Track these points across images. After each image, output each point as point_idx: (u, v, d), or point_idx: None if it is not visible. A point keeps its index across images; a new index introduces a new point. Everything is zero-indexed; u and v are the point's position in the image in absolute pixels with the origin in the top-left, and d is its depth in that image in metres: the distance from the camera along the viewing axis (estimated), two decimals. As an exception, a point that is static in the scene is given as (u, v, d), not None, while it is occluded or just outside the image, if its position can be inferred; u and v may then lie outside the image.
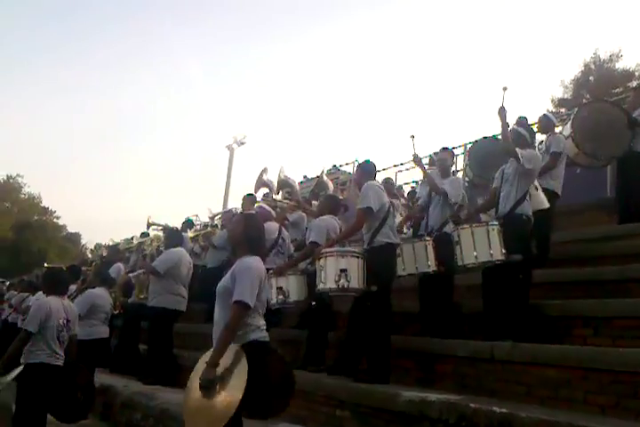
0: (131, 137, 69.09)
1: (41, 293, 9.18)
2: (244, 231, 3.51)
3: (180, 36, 68.12)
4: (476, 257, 4.66)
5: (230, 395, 3.02)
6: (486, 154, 6.90)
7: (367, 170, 5.21)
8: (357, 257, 4.68)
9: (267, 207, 7.27)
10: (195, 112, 71.74)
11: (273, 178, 10.04)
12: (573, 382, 3.53)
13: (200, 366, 3.21)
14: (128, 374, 7.25)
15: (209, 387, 3.06)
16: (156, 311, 6.69)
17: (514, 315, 4.47)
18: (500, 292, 4.64)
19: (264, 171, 9.94)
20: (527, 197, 4.84)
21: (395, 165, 12.66)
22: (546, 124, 6.53)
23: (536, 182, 5.40)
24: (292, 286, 5.32)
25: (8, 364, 4.70)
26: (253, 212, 7.67)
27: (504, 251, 4.57)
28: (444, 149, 5.95)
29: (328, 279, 4.61)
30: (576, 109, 6.31)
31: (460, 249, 4.77)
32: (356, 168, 5.40)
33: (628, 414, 3.17)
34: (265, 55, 69.42)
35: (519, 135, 5.08)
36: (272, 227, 6.74)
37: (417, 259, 5.11)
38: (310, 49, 70.63)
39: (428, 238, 5.21)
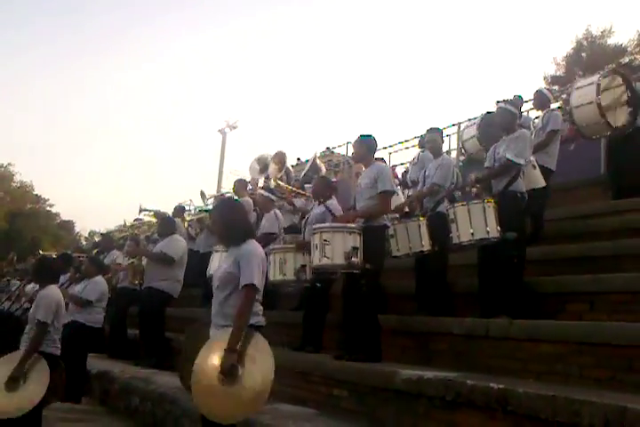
0: (122, 123, 68.54)
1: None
2: (223, 219, 3.51)
3: (171, 19, 67.43)
4: (472, 234, 4.63)
5: (259, 373, 3.05)
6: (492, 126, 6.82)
7: (370, 145, 5.10)
8: (360, 234, 4.62)
9: (266, 194, 7.21)
10: (186, 96, 71.21)
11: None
12: (569, 356, 3.54)
13: (204, 355, 3.18)
14: (123, 358, 7.29)
15: (232, 372, 3.04)
16: (154, 294, 6.75)
17: (509, 292, 4.48)
18: (496, 269, 4.64)
19: (283, 155, 9.62)
20: (520, 175, 4.82)
21: (390, 146, 12.63)
22: (541, 99, 6.48)
23: (533, 160, 5.40)
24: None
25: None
26: (247, 198, 7.70)
27: (499, 228, 4.56)
28: (431, 129, 5.90)
29: (336, 255, 4.49)
30: (598, 77, 5.76)
31: (455, 227, 4.73)
32: (356, 142, 5.21)
33: (624, 387, 3.18)
34: (256, 38, 68.73)
35: (510, 113, 5.00)
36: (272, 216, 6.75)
37: (410, 239, 5.09)
38: (301, 31, 69.92)
39: (421, 218, 5.19)
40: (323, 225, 4.77)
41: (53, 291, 4.92)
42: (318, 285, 5.21)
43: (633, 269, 4.43)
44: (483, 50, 56.21)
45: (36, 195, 39.52)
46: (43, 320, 4.65)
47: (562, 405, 2.85)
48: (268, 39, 68.36)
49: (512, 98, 5.78)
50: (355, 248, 4.52)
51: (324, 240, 4.55)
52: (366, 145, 5.09)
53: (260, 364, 3.08)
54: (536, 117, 6.42)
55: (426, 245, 5.06)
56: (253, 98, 69.95)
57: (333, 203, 5.52)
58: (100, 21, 66.17)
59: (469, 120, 8.92)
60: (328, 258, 4.52)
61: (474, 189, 5.18)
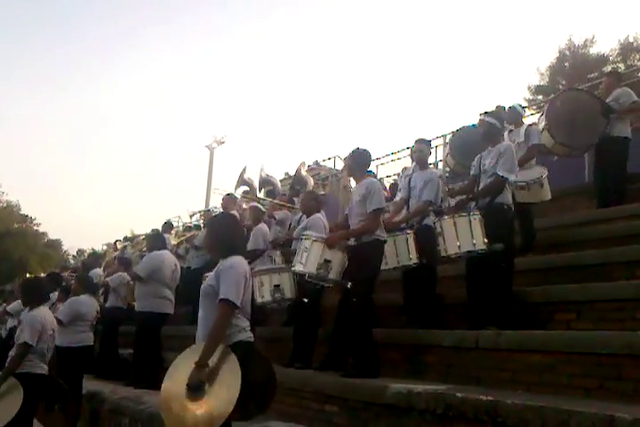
0: (109, 140, 68.48)
1: (18, 302, 9.16)
2: (213, 234, 3.55)
3: (155, 34, 67.72)
4: (459, 247, 4.66)
5: (224, 395, 2.98)
6: (467, 142, 6.91)
7: (362, 160, 5.09)
8: (342, 251, 4.69)
9: (258, 206, 7.24)
10: (174, 113, 71.31)
11: (254, 176, 10.07)
12: (557, 366, 3.56)
13: (180, 365, 3.17)
14: (113, 379, 7.22)
15: (198, 388, 3.01)
16: (143, 315, 6.68)
17: (497, 303, 4.49)
18: (484, 281, 4.65)
19: (244, 170, 9.96)
20: (507, 187, 4.85)
21: (377, 158, 12.68)
22: (511, 115, 6.53)
23: (542, 178, 5.77)
24: (286, 284, 5.47)
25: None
26: (234, 212, 7.69)
27: (486, 240, 4.58)
28: (419, 140, 5.94)
29: (309, 263, 4.61)
30: (549, 100, 6.30)
31: (442, 239, 4.76)
32: (348, 156, 5.26)
33: (612, 396, 3.19)
34: (243, 53, 69.13)
35: (492, 126, 5.04)
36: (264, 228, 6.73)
37: (398, 252, 5.09)
38: (288, 44, 70.40)
39: (408, 231, 5.20)
40: (309, 233, 4.88)
41: (41, 312, 4.89)
42: (305, 300, 5.21)
43: (620, 277, 4.46)
44: (467, 61, 56.88)
45: (23, 214, 39.31)
46: (28, 342, 4.62)
47: (550, 415, 2.86)
48: (253, 53, 68.89)
49: (495, 109, 5.82)
50: (327, 261, 4.60)
51: (305, 247, 4.70)
52: (357, 160, 5.05)
53: (228, 384, 3.02)
54: (510, 130, 6.46)
55: (413, 258, 5.07)
56: (240, 113, 70.31)
57: (316, 217, 5.56)
58: (85, 36, 66.37)
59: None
60: (302, 264, 4.67)
61: (452, 201, 5.24)
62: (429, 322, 4.93)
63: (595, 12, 46.63)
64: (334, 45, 69.47)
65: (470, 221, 4.64)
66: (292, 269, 4.88)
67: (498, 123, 5.06)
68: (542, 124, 6.29)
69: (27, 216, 39.37)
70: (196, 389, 3.01)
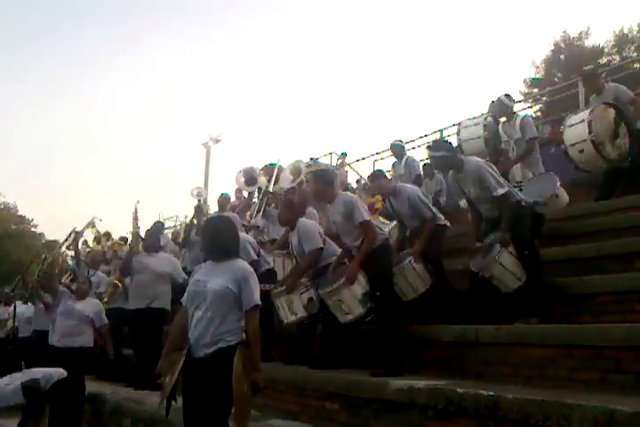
0: (104, 139, 68.18)
1: (19, 303, 9.14)
2: (208, 237, 3.57)
3: (153, 33, 67.52)
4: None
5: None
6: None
7: (328, 178, 4.84)
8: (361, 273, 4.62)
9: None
10: (169, 111, 71.13)
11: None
12: (558, 360, 3.54)
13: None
14: (114, 380, 7.20)
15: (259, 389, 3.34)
16: (161, 313, 6.67)
17: (537, 295, 4.36)
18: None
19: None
20: (513, 192, 4.79)
21: (371, 155, 12.67)
22: (500, 107, 6.44)
23: (558, 191, 5.64)
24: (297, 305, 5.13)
25: None
26: (228, 214, 7.61)
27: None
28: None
29: (353, 308, 4.56)
30: (588, 113, 5.59)
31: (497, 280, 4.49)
32: (310, 180, 5.01)
33: (612, 388, 3.18)
34: (238, 51, 68.99)
35: (441, 158, 4.80)
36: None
37: (411, 282, 4.94)
38: (283, 42, 70.19)
39: (410, 259, 4.97)
40: (329, 289, 4.65)
41: None
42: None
43: (619, 270, 4.46)
44: (462, 56, 56.79)
45: (20, 215, 39.22)
46: None
47: (551, 409, 2.85)
48: (249, 51, 68.62)
49: (440, 143, 5.58)
50: (364, 294, 4.54)
51: (339, 300, 4.59)
52: (323, 180, 4.81)
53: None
54: (503, 122, 6.39)
55: (427, 281, 4.97)
56: (236, 110, 70.07)
57: (303, 225, 5.33)
58: (84, 38, 66.14)
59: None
60: (349, 314, 4.59)
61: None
62: (455, 315, 4.75)
63: (589, 4, 46.65)
64: (329, 42, 69.39)
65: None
66: (345, 321, 4.66)
67: (445, 152, 4.80)
68: (584, 136, 5.64)
69: (24, 217, 39.31)
70: (258, 389, 3.33)
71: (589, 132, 5.53)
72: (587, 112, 5.75)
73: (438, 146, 5.03)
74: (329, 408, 4.28)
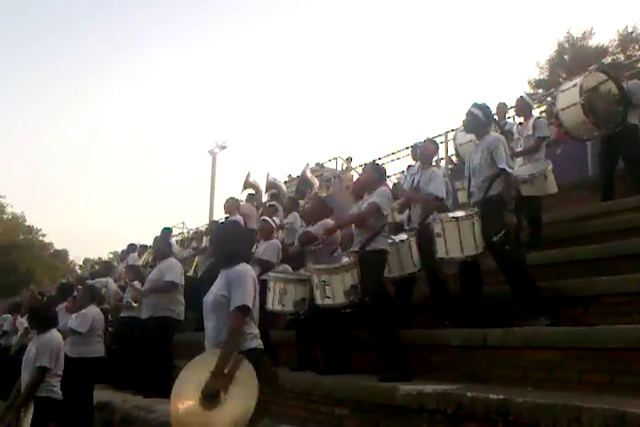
0: (110, 148, 68.61)
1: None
2: (215, 241, 3.60)
3: (156, 39, 67.86)
4: (462, 250, 4.53)
5: (241, 403, 2.98)
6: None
7: (379, 172, 5.17)
8: (355, 268, 4.67)
9: (269, 221, 6.77)
10: (175, 119, 71.43)
11: (259, 180, 10.10)
12: (567, 362, 3.52)
13: (188, 375, 3.16)
14: (125, 388, 7.20)
15: (214, 396, 2.99)
16: (166, 322, 6.64)
17: (531, 294, 4.35)
18: (477, 279, 4.65)
19: (249, 173, 9.98)
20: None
21: (378, 158, 12.67)
22: (523, 106, 6.43)
23: (545, 170, 5.71)
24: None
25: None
26: (237, 218, 7.63)
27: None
28: (427, 140, 5.91)
29: (336, 295, 4.58)
30: (581, 78, 5.78)
31: (443, 242, 4.57)
32: (368, 169, 5.31)
33: (622, 390, 3.16)
34: (243, 57, 69.20)
35: (474, 117, 4.88)
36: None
37: (402, 260, 5.05)
38: (288, 47, 70.50)
39: (410, 239, 5.10)
40: (318, 267, 4.74)
41: (54, 336, 4.92)
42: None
43: (626, 271, 4.43)
44: (466, 57, 56.78)
45: (28, 225, 39.41)
46: (47, 366, 4.66)
47: (561, 412, 2.84)
48: (254, 57, 68.96)
49: (483, 104, 5.68)
50: (353, 286, 4.56)
51: (323, 281, 4.61)
52: (379, 173, 5.15)
53: (244, 392, 3.01)
54: (519, 123, 6.38)
55: (417, 265, 5.03)
56: (242, 117, 70.39)
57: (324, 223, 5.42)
58: (86, 43, 66.53)
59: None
60: (329, 298, 4.62)
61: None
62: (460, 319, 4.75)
63: (593, 4, 46.55)
64: (334, 47, 69.67)
65: (473, 224, 4.51)
66: (321, 303, 4.71)
67: (482, 115, 4.86)
68: (571, 100, 5.82)
69: (32, 227, 39.50)
70: (211, 397, 2.99)
71: (580, 96, 5.68)
72: (580, 77, 5.87)
73: (482, 107, 4.98)
74: (338, 414, 4.26)
